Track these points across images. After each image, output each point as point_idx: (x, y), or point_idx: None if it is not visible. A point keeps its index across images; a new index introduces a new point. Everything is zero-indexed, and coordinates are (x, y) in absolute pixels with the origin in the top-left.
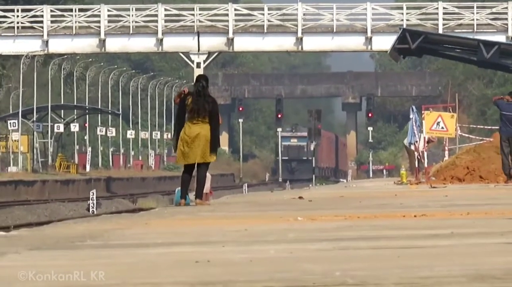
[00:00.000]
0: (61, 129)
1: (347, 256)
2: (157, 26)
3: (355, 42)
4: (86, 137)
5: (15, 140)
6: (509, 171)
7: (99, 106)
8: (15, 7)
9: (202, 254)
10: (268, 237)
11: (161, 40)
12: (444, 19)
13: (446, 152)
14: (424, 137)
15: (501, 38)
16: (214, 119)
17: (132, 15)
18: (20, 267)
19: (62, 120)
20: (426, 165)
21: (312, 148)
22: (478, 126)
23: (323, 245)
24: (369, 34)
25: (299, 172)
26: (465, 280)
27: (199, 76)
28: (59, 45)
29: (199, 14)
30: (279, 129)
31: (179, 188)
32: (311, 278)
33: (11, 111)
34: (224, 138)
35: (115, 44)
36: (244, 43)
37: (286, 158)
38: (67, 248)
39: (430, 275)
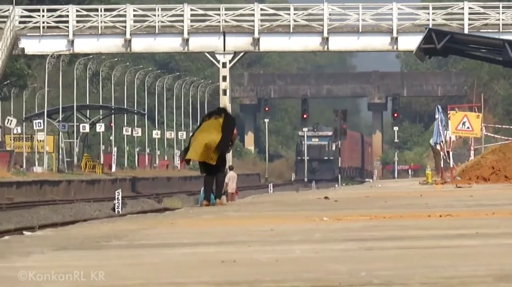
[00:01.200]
0: (87, 129)
1: (372, 256)
2: (182, 26)
3: (380, 42)
4: (112, 137)
5: (40, 141)
6: None
7: (125, 106)
8: (41, 7)
9: (227, 254)
10: (293, 237)
11: (187, 40)
12: (469, 19)
13: (472, 152)
14: (450, 137)
15: None
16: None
17: (158, 15)
18: (45, 268)
19: (88, 120)
20: (451, 165)
21: (334, 148)
22: (504, 126)
23: (348, 245)
24: (394, 34)
25: (320, 172)
26: (491, 280)
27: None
28: (84, 45)
29: (225, 14)
30: (305, 129)
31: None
32: (337, 278)
33: (36, 111)
34: (250, 138)
35: (140, 44)
36: (270, 43)
37: (307, 157)
38: (92, 248)
39: (455, 275)
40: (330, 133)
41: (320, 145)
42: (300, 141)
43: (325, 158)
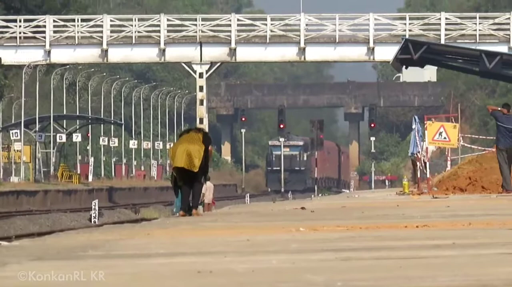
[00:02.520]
0: (64, 139)
1: (349, 267)
2: (159, 36)
3: (357, 53)
4: (89, 147)
5: (17, 151)
6: (509, 181)
7: (102, 116)
8: (18, 17)
9: (204, 264)
10: (270, 247)
11: (164, 50)
12: (446, 29)
13: (449, 162)
14: (427, 148)
15: (503, 48)
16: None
17: (135, 25)
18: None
19: (65, 130)
20: (428, 175)
21: (305, 158)
22: (481, 136)
23: (325, 255)
24: (371, 44)
25: (291, 183)
26: None
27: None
28: (61, 55)
29: (202, 24)
30: (281, 139)
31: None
32: None
33: (13, 121)
34: (226, 148)
35: (117, 54)
36: (246, 53)
37: (277, 168)
38: (68, 258)
39: (432, 286)
40: (301, 143)
41: (291, 155)
42: (270, 151)
43: (296, 168)
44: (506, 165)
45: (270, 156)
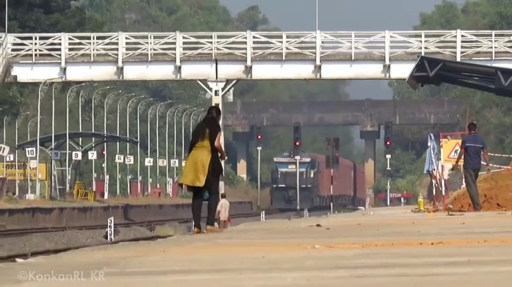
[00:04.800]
0: (79, 157)
1: (364, 284)
2: (175, 54)
3: (373, 70)
4: (104, 165)
5: (33, 168)
6: (478, 200)
7: (117, 134)
8: (33, 35)
9: (219, 282)
10: (285, 264)
11: (179, 67)
12: (462, 47)
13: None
14: (443, 165)
15: None
16: (212, 144)
17: (150, 43)
18: None
19: (80, 148)
20: (444, 193)
21: (312, 175)
22: (496, 154)
23: (340, 273)
24: (387, 62)
25: (297, 201)
26: None
27: (210, 108)
28: (77, 73)
29: (217, 41)
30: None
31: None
32: None
33: (29, 139)
34: (242, 166)
35: (133, 72)
36: (262, 71)
37: (283, 185)
38: (83, 275)
39: None
40: (308, 159)
41: (297, 172)
42: (275, 168)
43: (303, 185)
44: (474, 184)
45: (276, 173)
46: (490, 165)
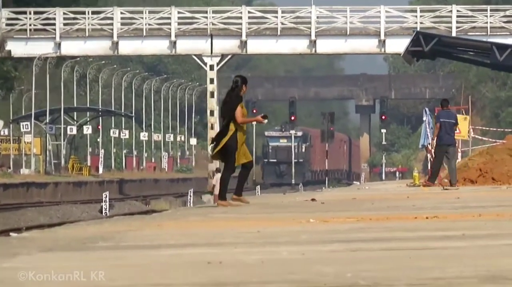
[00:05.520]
0: (74, 131)
1: (358, 258)
2: (170, 29)
3: (368, 45)
4: (99, 139)
5: (27, 143)
6: (436, 176)
7: (112, 109)
8: (28, 10)
9: (214, 256)
10: (280, 238)
11: (174, 42)
12: (457, 22)
13: (459, 154)
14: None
15: None
16: (226, 119)
17: (145, 18)
18: (31, 269)
19: (75, 122)
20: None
21: (304, 149)
22: (491, 128)
23: (335, 247)
24: (382, 37)
25: (289, 176)
26: (476, 281)
27: (235, 76)
28: (71, 48)
29: (212, 16)
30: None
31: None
32: (323, 280)
33: (23, 114)
34: None
35: (128, 47)
36: (257, 46)
37: (274, 160)
38: (78, 249)
39: (442, 276)
40: (299, 133)
41: (288, 146)
42: (266, 142)
43: (294, 160)
44: (441, 160)
45: (267, 147)
46: (486, 138)
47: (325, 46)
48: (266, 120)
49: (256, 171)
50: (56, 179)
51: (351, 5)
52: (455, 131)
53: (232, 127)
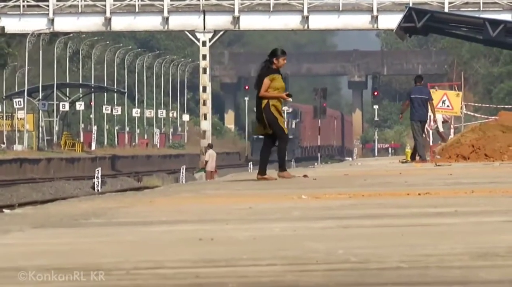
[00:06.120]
0: (67, 108)
1: (350, 234)
2: (162, 5)
3: (361, 21)
4: (92, 115)
5: (20, 119)
6: (423, 153)
7: (105, 85)
8: None
9: (205, 232)
10: (272, 215)
11: (167, 18)
12: None
13: (452, 130)
14: (430, 116)
15: (507, 16)
16: (256, 91)
17: None
18: (23, 245)
19: (68, 98)
20: (431, 143)
21: (293, 125)
22: (484, 105)
23: (327, 223)
24: (375, 12)
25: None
26: (468, 258)
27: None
28: (64, 24)
29: None
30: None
31: None
32: (315, 256)
33: (16, 90)
34: (230, 117)
35: (120, 23)
36: (250, 22)
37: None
38: (70, 225)
39: (433, 253)
40: (289, 110)
41: None
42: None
43: None
44: (421, 136)
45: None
46: (478, 115)
47: (318, 22)
48: (290, 99)
49: (245, 147)
50: (49, 155)
51: None
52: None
53: (264, 99)
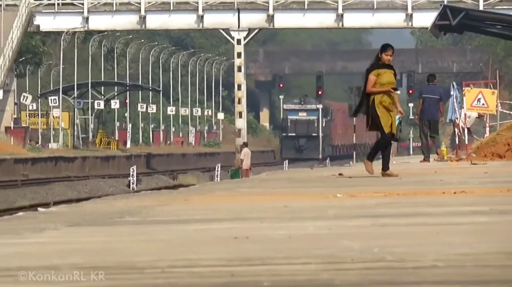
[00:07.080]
0: (102, 106)
1: (385, 233)
2: (197, 3)
3: (395, 19)
4: (127, 114)
5: (56, 117)
6: (428, 152)
7: (140, 83)
8: None
9: (240, 230)
10: (307, 213)
11: (202, 16)
12: None
13: (487, 129)
14: (465, 114)
15: None
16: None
17: None
18: (58, 243)
19: (103, 97)
20: (466, 142)
21: (324, 124)
22: None
23: (362, 222)
24: (409, 10)
25: (308, 151)
26: (504, 257)
27: None
28: (99, 22)
29: None
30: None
31: None
32: (350, 255)
33: (52, 88)
34: (265, 115)
35: (155, 21)
36: (284, 20)
37: (293, 134)
38: (105, 224)
39: (469, 252)
40: (319, 107)
41: (307, 120)
42: (285, 115)
43: (313, 134)
44: (425, 136)
45: (285, 121)
46: None
47: (352, 20)
48: (398, 92)
49: (275, 145)
50: (84, 153)
51: None
52: (439, 108)
53: (371, 95)
